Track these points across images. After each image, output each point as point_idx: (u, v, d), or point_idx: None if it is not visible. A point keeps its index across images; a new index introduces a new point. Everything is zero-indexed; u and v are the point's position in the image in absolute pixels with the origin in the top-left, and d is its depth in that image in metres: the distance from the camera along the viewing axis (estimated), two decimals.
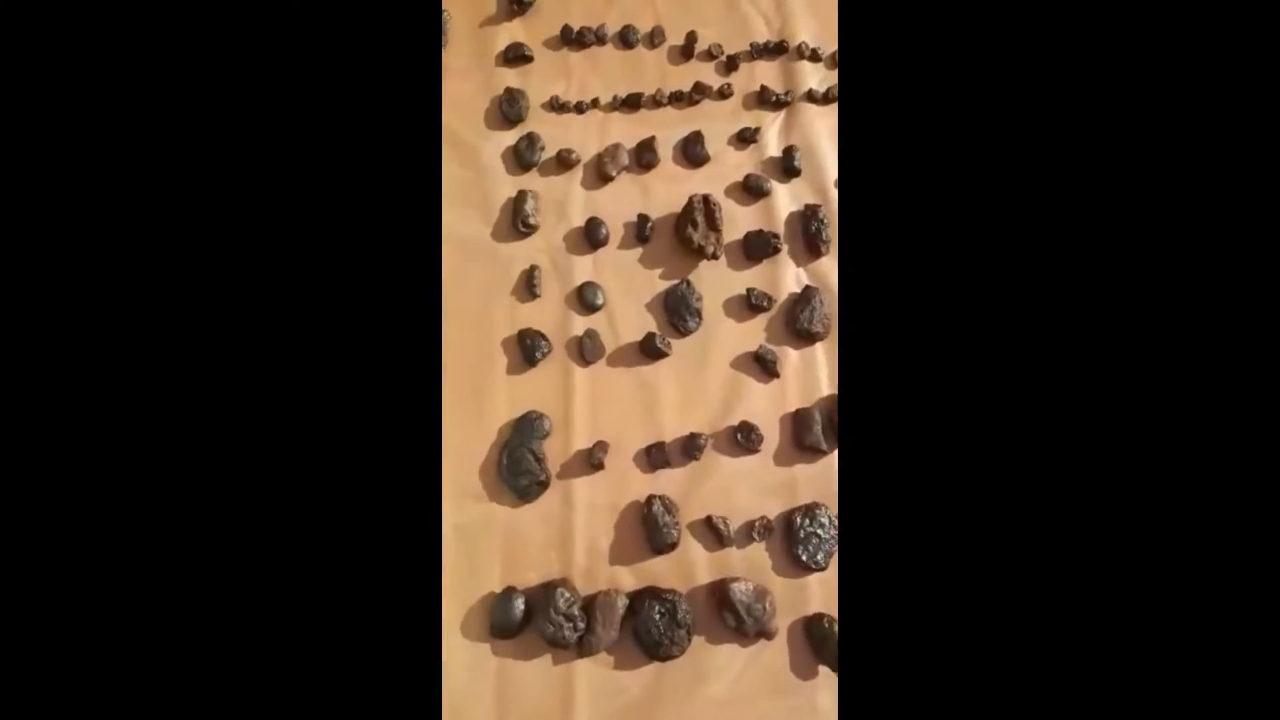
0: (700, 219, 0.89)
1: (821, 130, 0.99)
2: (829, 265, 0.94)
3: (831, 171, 0.97)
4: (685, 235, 0.88)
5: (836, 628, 0.81)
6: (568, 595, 0.77)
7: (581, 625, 0.77)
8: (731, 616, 0.80)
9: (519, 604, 0.76)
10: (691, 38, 0.97)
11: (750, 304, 0.90)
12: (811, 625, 0.83)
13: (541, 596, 0.77)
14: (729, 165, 0.96)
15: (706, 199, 0.90)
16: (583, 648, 0.77)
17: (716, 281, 0.91)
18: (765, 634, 0.81)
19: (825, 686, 0.82)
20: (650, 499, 0.82)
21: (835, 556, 0.84)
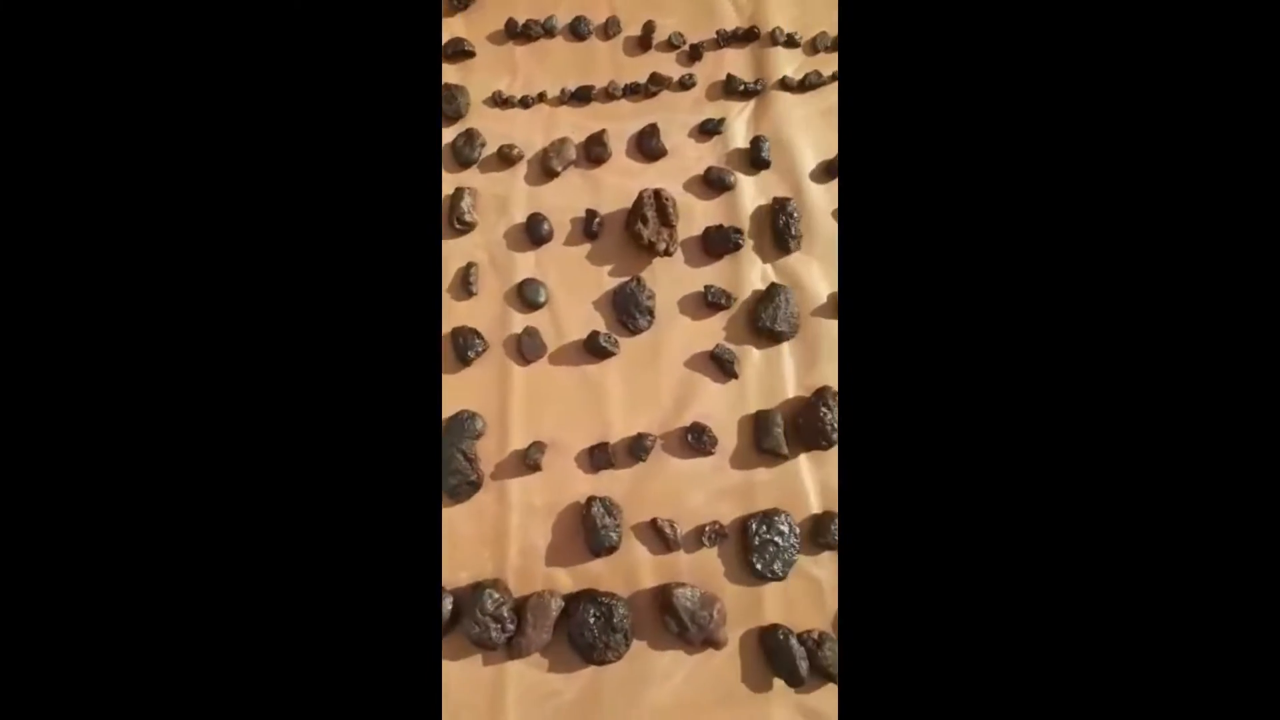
0: (651, 214, 0.88)
1: (796, 120, 0.96)
2: (799, 261, 0.90)
3: (806, 163, 0.94)
4: (635, 231, 0.87)
5: (794, 640, 0.78)
6: (496, 596, 0.77)
7: (511, 626, 0.77)
8: (674, 622, 0.78)
9: (446, 604, 0.77)
10: (649, 27, 0.96)
11: (708, 301, 0.88)
12: (765, 636, 0.80)
13: (470, 597, 0.78)
14: (689, 158, 0.94)
15: (658, 193, 0.88)
16: (512, 649, 0.77)
17: (672, 278, 0.90)
18: (712, 643, 0.79)
19: (780, 700, 0.79)
20: (590, 500, 0.81)
21: (794, 566, 0.81)
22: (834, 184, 0.93)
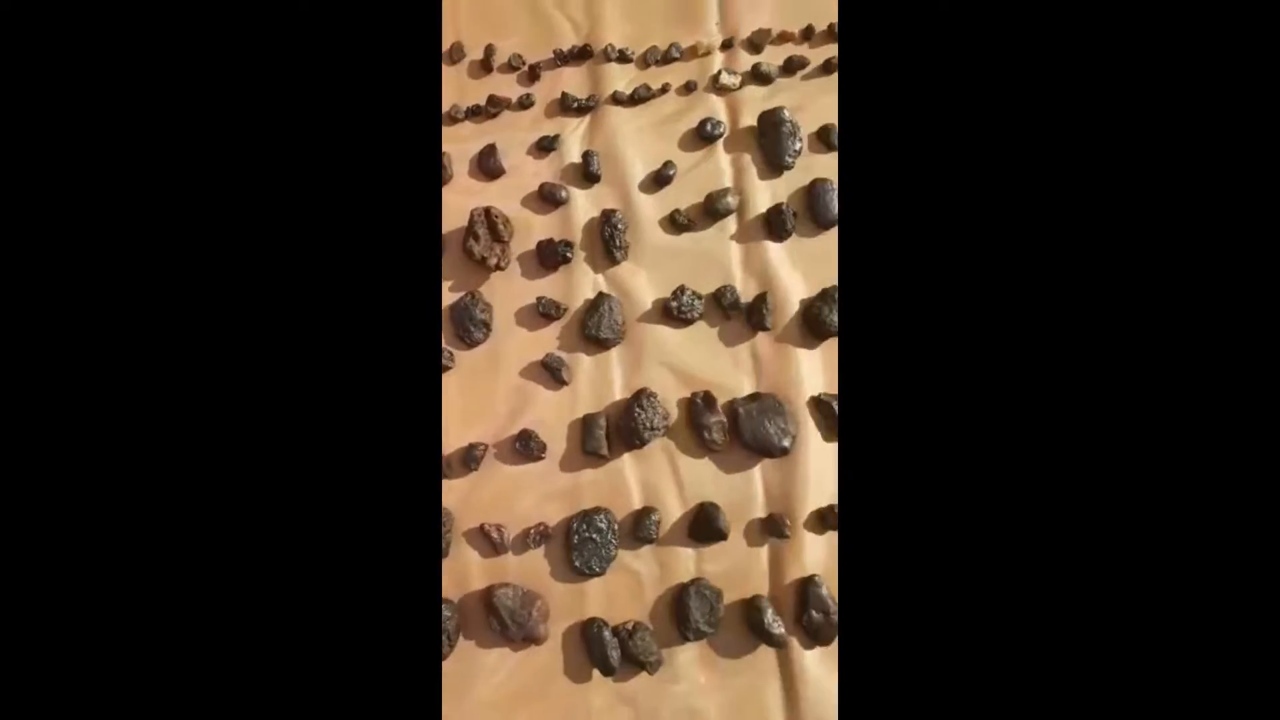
0: (482, 231, 0.93)
1: (628, 133, 1.00)
2: (627, 270, 0.95)
3: (636, 174, 0.98)
4: (468, 248, 0.92)
5: (607, 631, 0.83)
6: None
7: None
8: (496, 621, 0.84)
9: None
10: (489, 50, 1.01)
11: (539, 313, 0.93)
12: (585, 629, 0.85)
13: None
14: (527, 175, 0.99)
15: (488, 211, 0.93)
16: None
17: (508, 292, 0.95)
18: (533, 639, 0.84)
19: (598, 689, 0.84)
20: None
21: (614, 561, 0.86)
22: (663, 192, 0.97)
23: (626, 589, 0.86)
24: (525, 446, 0.89)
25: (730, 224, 0.96)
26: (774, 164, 0.97)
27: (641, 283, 0.94)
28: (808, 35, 1.03)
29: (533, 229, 0.97)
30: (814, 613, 0.80)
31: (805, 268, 0.94)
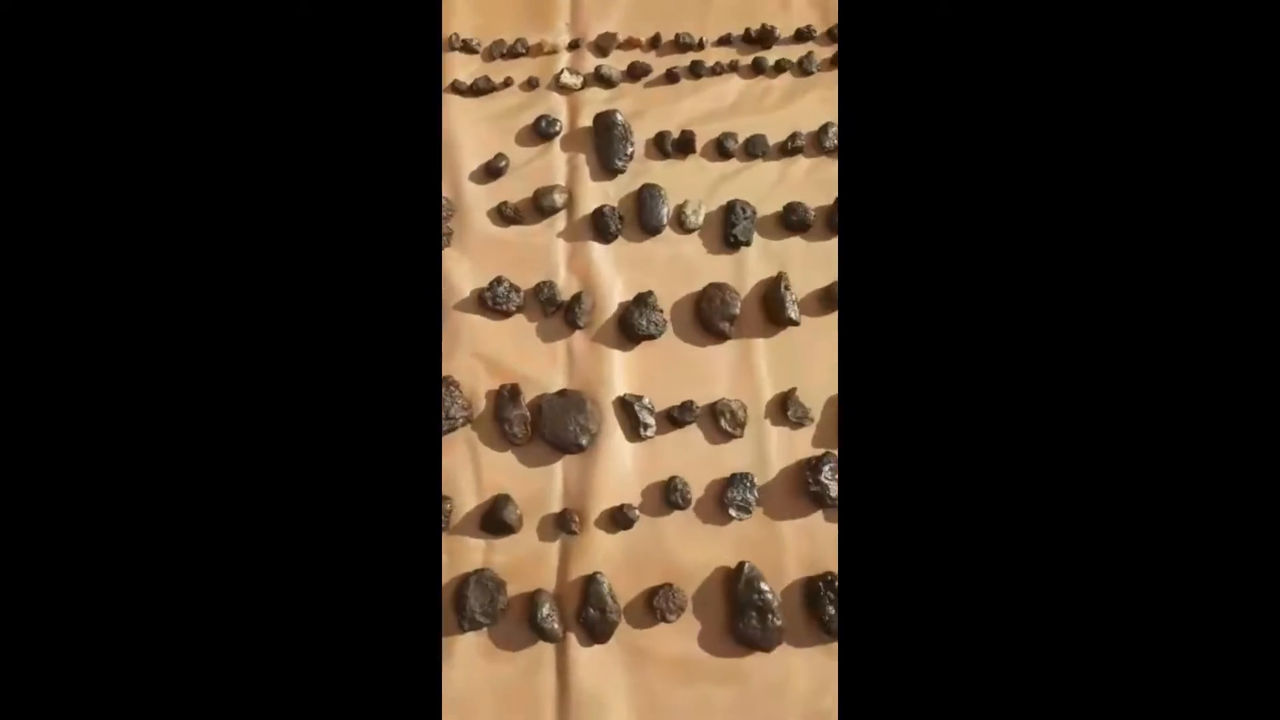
0: None
1: (463, 123, 1.01)
2: (450, 258, 0.95)
3: (467, 164, 0.98)
4: None
5: None
6: None
7: None
8: None
9: None
10: None
11: None
12: None
13: None
14: None
15: None
16: None
17: None
18: None
19: None
20: None
21: None
22: (494, 184, 0.97)
23: None
24: None
25: (560, 221, 0.97)
26: (607, 166, 0.99)
27: (463, 271, 0.94)
28: (655, 43, 1.05)
29: None
30: (592, 609, 0.81)
31: (627, 272, 0.95)
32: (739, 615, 0.81)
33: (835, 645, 0.81)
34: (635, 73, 1.03)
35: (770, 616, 0.80)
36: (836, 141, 0.99)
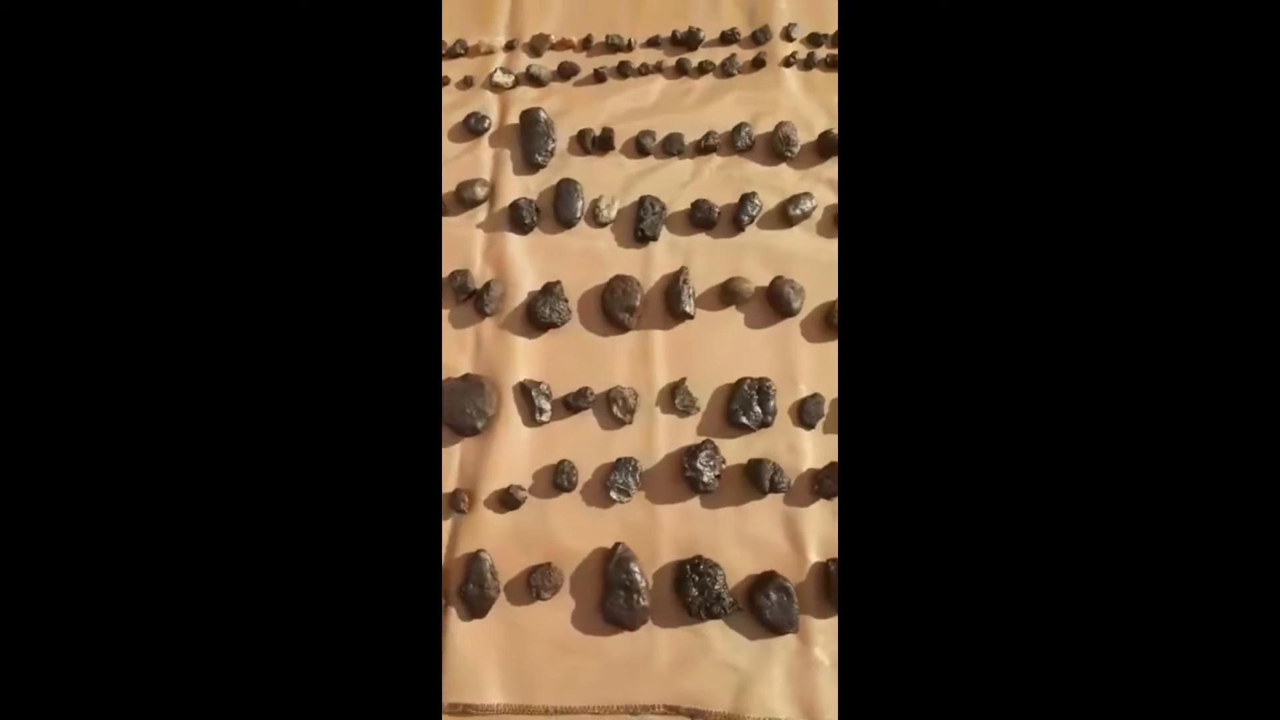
0: None
1: None
2: None
3: None
4: None
5: None
6: None
7: None
8: None
9: None
10: None
11: None
12: None
13: None
14: None
15: None
16: None
17: None
18: None
19: None
20: None
21: None
22: None
23: None
24: None
25: (481, 213, 1.02)
26: (529, 161, 1.03)
27: None
28: (587, 44, 1.09)
29: None
30: (472, 585, 0.85)
31: (541, 262, 0.99)
32: (609, 594, 0.83)
33: (700, 626, 0.83)
34: (565, 72, 1.07)
35: (636, 596, 0.83)
36: (750, 141, 1.01)
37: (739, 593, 0.84)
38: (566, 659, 0.84)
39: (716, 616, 0.82)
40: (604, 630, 0.84)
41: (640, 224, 0.98)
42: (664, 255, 0.98)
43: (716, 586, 0.82)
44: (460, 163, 1.04)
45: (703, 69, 1.06)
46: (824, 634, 0.83)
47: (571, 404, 0.92)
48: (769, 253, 0.97)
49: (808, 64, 1.06)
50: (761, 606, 0.82)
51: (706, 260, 0.97)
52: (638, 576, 0.83)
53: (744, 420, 0.89)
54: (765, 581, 0.83)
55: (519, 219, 0.99)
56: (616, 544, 0.85)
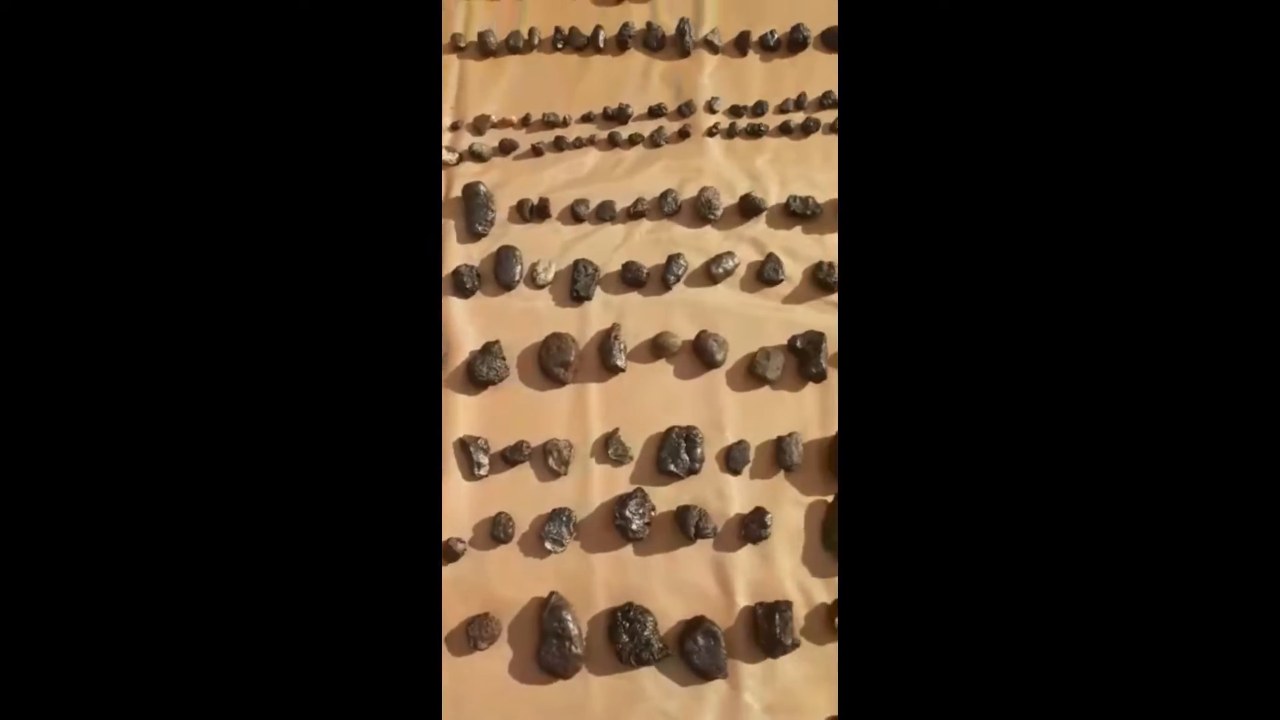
0: None
1: None
2: None
3: None
4: None
5: None
6: None
7: None
8: None
9: None
10: None
11: None
12: None
13: None
14: None
15: None
16: None
17: None
18: None
19: None
20: None
21: None
22: None
23: None
24: None
25: None
26: (470, 230, 1.09)
27: None
28: (526, 121, 1.17)
29: None
30: None
31: (482, 324, 1.04)
32: (543, 643, 0.85)
33: (633, 673, 0.85)
34: (505, 148, 1.15)
35: (569, 644, 0.85)
36: (676, 206, 1.08)
37: (670, 639, 0.87)
38: (505, 708, 0.85)
39: (646, 663, 0.84)
40: (539, 679, 0.86)
41: (575, 285, 1.04)
42: (598, 313, 1.03)
43: (646, 633, 0.85)
44: None
45: (633, 141, 1.13)
46: (753, 678, 0.86)
47: (509, 458, 0.95)
48: (695, 309, 1.03)
49: (730, 133, 1.14)
50: (690, 651, 0.84)
51: (637, 317, 1.03)
52: (570, 625, 0.86)
53: (672, 468, 0.93)
54: (694, 627, 0.86)
55: (460, 284, 1.05)
56: (551, 593, 0.88)
